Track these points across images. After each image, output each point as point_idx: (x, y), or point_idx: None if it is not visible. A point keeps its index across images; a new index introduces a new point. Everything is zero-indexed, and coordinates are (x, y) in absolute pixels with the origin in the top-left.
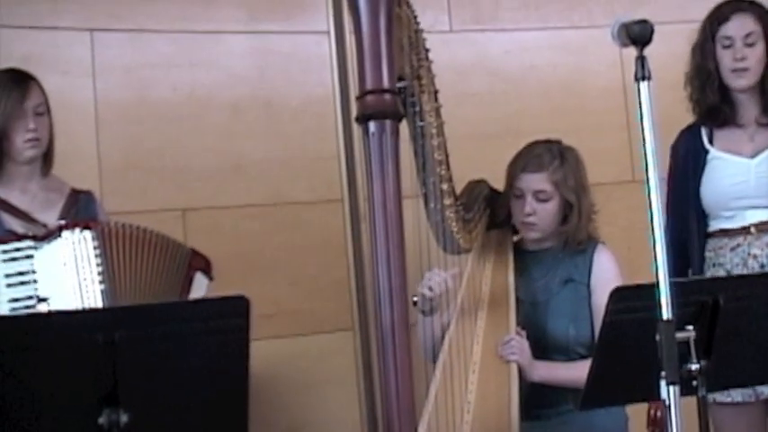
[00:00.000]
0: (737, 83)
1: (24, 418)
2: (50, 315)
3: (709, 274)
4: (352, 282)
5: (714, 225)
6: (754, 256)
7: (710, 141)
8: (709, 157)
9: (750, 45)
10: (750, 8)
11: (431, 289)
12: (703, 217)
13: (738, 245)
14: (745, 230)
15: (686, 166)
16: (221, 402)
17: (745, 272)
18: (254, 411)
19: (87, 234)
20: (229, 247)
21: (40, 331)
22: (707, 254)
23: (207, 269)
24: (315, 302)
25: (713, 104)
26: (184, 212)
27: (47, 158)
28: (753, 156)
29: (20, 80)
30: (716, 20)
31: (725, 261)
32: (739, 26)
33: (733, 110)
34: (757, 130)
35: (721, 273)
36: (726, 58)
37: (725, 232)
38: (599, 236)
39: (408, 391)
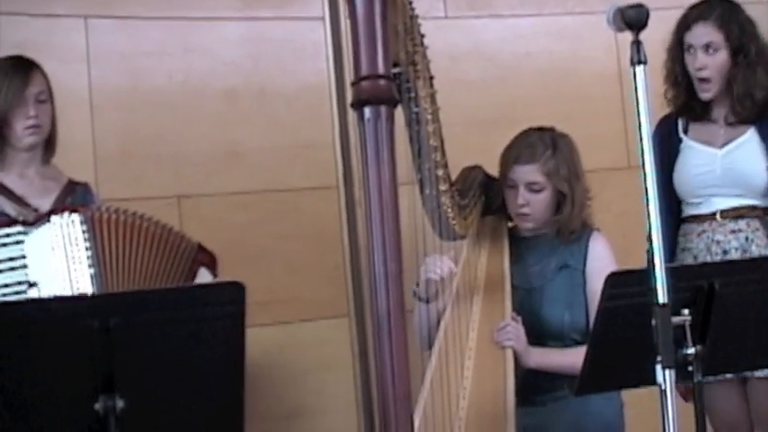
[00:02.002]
0: (702, 95)
1: (20, 404)
2: (46, 301)
3: (679, 258)
4: (347, 268)
5: (686, 211)
6: (717, 242)
7: (686, 131)
8: (682, 145)
9: (710, 54)
10: (714, 15)
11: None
12: (676, 203)
13: (704, 231)
14: (711, 217)
15: (661, 153)
16: (217, 389)
17: (708, 258)
18: (250, 398)
19: (76, 218)
20: (224, 234)
21: (35, 317)
22: (679, 238)
23: (212, 265)
24: (310, 289)
25: (684, 104)
26: (179, 199)
27: (48, 146)
28: (722, 146)
29: (22, 67)
30: (681, 26)
31: (692, 246)
32: (700, 35)
33: (704, 108)
34: (728, 128)
35: (689, 258)
36: (690, 65)
37: (695, 218)
38: (593, 222)
39: (404, 377)
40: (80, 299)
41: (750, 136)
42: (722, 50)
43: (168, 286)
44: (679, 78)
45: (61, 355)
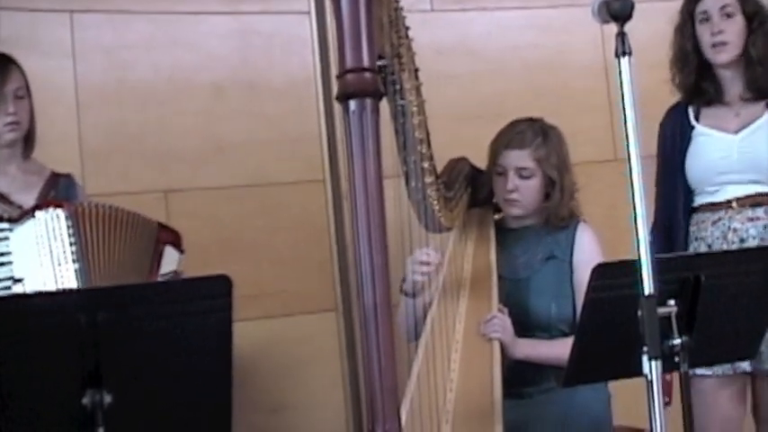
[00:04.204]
0: (718, 58)
1: (7, 399)
2: (32, 296)
3: (691, 248)
4: (334, 262)
5: (699, 200)
6: (734, 230)
7: (697, 118)
8: (695, 133)
9: (727, 16)
10: None
11: (423, 273)
12: (689, 193)
13: (719, 218)
14: (726, 204)
15: (673, 142)
16: (204, 383)
17: (725, 246)
18: (238, 392)
19: (60, 213)
20: (211, 228)
21: (21, 313)
22: (691, 228)
23: (176, 242)
24: (297, 283)
25: (695, 84)
26: (166, 194)
27: (28, 142)
28: (737, 131)
29: None
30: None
31: (706, 235)
32: (716, 0)
33: (717, 88)
34: (743, 106)
35: (703, 247)
36: (705, 35)
37: (708, 206)
38: (581, 213)
39: (391, 370)
40: (67, 293)
41: (766, 119)
42: (738, 15)
43: (142, 271)
44: (690, 57)
45: (48, 349)
